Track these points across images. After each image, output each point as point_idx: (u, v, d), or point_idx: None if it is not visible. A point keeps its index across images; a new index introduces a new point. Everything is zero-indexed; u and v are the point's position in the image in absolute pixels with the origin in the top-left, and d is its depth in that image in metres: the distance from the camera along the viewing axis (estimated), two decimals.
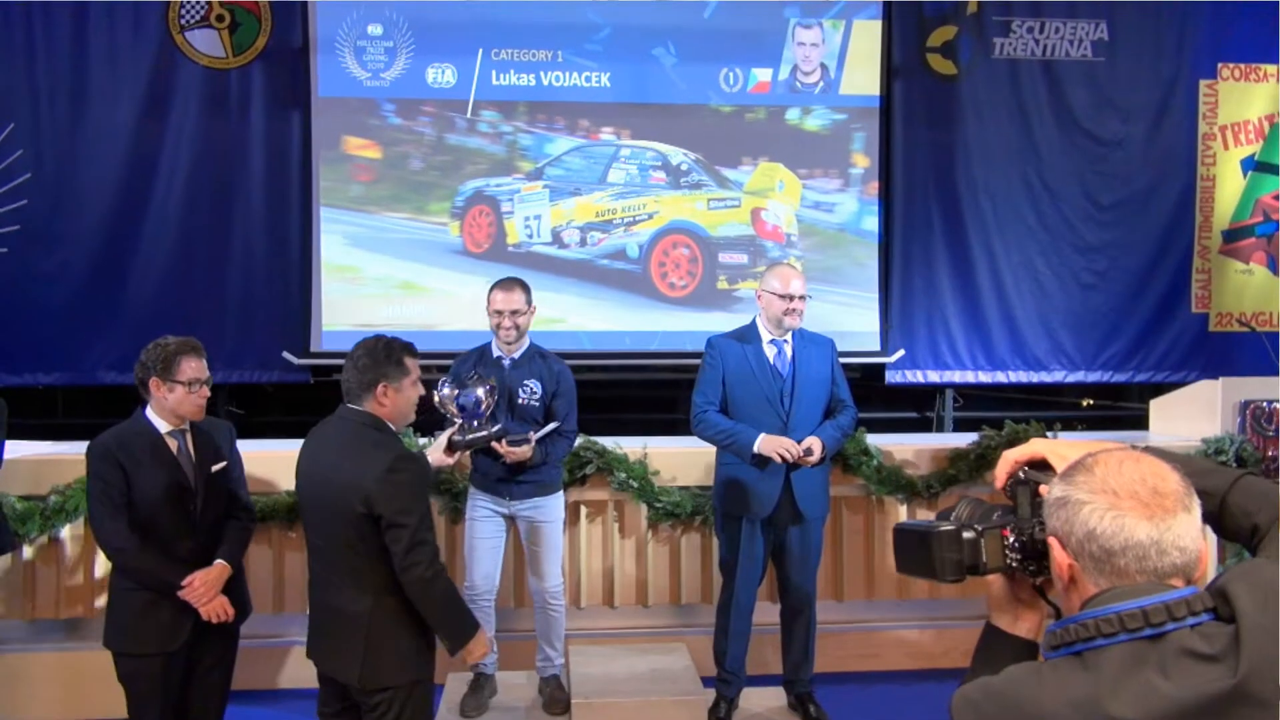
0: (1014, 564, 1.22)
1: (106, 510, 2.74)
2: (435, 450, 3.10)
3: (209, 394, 2.86)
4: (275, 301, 5.56)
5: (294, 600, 4.05)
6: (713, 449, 3.60)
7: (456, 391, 3.33)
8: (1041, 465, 1.27)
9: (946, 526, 1.23)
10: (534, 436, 3.43)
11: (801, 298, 3.47)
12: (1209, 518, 1.21)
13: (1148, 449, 1.23)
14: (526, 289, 3.54)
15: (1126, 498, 1.08)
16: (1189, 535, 1.09)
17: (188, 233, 5.47)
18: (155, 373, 2.77)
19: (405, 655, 2.51)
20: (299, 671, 4.02)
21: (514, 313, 3.47)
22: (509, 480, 3.48)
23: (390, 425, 2.56)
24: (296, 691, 3.97)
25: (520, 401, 3.47)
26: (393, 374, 2.53)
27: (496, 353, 3.53)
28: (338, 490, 2.45)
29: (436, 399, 3.33)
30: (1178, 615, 1.04)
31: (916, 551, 1.25)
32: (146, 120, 5.41)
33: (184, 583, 2.76)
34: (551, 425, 3.49)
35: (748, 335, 3.56)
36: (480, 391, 3.30)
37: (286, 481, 4.00)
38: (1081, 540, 1.10)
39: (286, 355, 5.52)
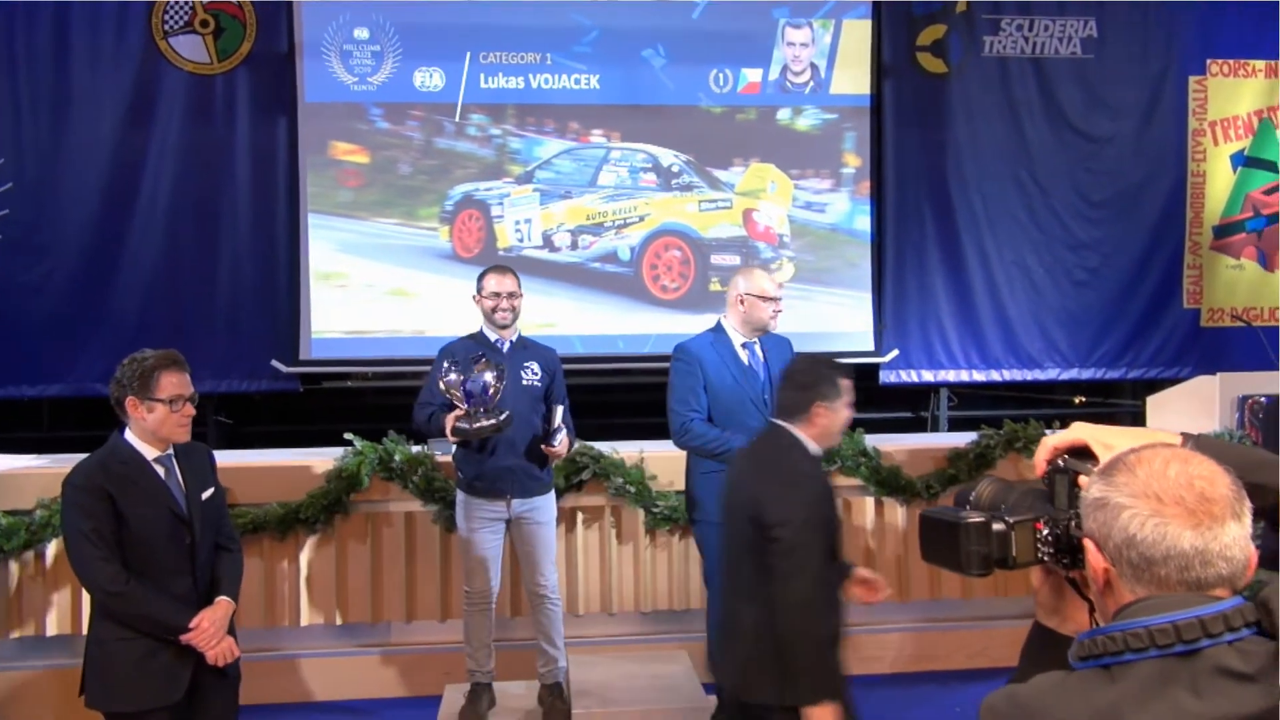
0: (1045, 557, 1.16)
1: (97, 551, 2.47)
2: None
3: (193, 412, 2.60)
4: (263, 309, 5.48)
5: (283, 613, 3.98)
6: None
7: (463, 377, 3.23)
8: (1083, 453, 1.19)
9: (976, 519, 1.16)
10: (557, 422, 3.46)
11: (780, 298, 3.53)
12: (1269, 513, 1.15)
13: (1199, 440, 1.17)
14: (516, 274, 3.65)
15: (1171, 504, 1.01)
16: (1238, 545, 1.01)
17: (174, 240, 5.39)
18: (132, 391, 2.52)
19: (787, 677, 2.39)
20: (291, 686, 3.96)
21: (510, 295, 3.55)
22: (513, 476, 3.46)
23: (812, 445, 2.54)
24: (287, 706, 3.91)
25: (524, 383, 3.51)
26: (829, 393, 2.54)
27: (494, 337, 3.57)
28: (742, 496, 2.50)
29: (441, 384, 3.27)
30: (1213, 631, 0.97)
31: (943, 542, 1.19)
32: (130, 127, 5.33)
33: (191, 624, 2.54)
34: (560, 409, 3.52)
35: (720, 339, 3.54)
36: (489, 376, 3.22)
37: (276, 492, 3.94)
38: (1120, 546, 1.03)
39: (275, 363, 5.45)
